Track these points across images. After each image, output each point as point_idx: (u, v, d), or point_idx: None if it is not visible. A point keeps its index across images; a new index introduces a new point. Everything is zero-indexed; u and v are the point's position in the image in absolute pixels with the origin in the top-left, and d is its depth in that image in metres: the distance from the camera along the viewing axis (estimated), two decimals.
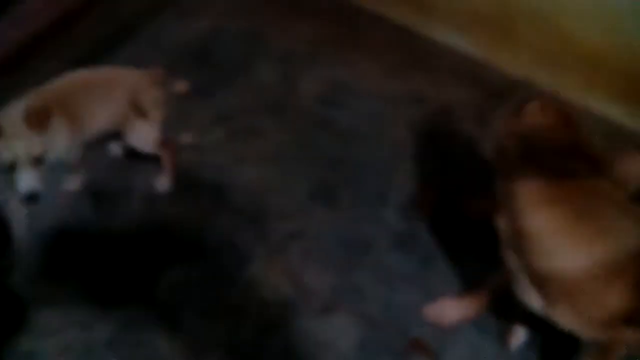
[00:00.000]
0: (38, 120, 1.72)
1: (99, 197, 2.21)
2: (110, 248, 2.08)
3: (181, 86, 2.24)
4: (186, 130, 2.42)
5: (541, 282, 1.41)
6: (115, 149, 2.31)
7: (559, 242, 1.34)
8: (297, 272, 2.06)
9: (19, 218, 2.08)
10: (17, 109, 1.74)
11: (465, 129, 2.50)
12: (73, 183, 2.19)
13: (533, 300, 1.48)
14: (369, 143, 2.46)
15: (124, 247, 2.09)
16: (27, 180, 1.73)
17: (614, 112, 2.48)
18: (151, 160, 2.21)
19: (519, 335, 1.85)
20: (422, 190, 2.30)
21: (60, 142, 1.88)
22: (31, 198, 1.75)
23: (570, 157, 1.35)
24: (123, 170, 2.29)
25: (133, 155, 2.24)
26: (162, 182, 2.21)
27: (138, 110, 2.01)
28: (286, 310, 1.96)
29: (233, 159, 2.37)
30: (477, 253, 1.97)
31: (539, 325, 1.69)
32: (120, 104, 1.99)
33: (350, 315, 1.95)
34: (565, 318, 1.44)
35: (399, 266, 2.09)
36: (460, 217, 2.16)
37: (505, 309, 1.82)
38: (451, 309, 1.87)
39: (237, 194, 2.26)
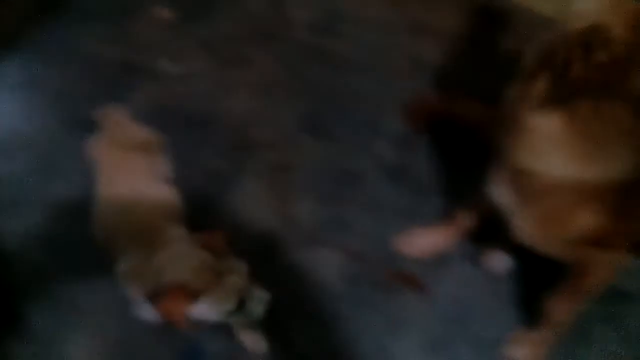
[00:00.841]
0: None
1: None
2: None
3: (164, 12, 2.12)
4: (170, 58, 2.32)
5: (522, 179, 1.34)
6: None
7: (552, 148, 1.26)
8: (283, 204, 2.00)
9: None
10: None
11: (466, 56, 2.38)
12: None
13: (503, 195, 1.42)
14: (363, 74, 2.35)
15: None
16: None
17: None
18: None
19: (501, 260, 1.79)
20: (416, 102, 2.20)
21: None
22: None
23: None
24: None
25: None
26: None
27: None
28: (271, 242, 1.91)
29: (220, 88, 2.28)
30: (471, 182, 1.87)
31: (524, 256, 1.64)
32: None
33: (336, 248, 1.90)
34: (529, 224, 1.38)
35: (389, 198, 2.02)
36: (455, 133, 2.08)
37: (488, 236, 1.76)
38: (422, 238, 1.81)
39: (224, 123, 2.18)
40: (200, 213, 1.88)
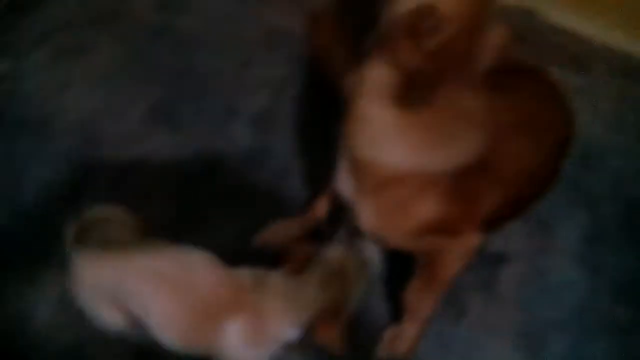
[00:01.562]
0: None
1: None
2: None
3: None
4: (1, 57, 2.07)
5: (360, 168, 1.27)
6: None
7: (390, 138, 1.19)
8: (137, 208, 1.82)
9: None
10: None
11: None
12: None
13: (346, 187, 1.35)
14: (215, 50, 2.17)
15: None
16: None
17: None
18: None
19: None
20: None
21: None
22: None
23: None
24: None
25: None
26: None
27: None
28: None
29: (58, 83, 2.05)
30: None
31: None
32: None
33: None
34: (371, 216, 1.31)
35: (247, 186, 1.89)
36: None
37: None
38: (278, 232, 1.71)
39: (64, 124, 1.97)
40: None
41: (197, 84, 2.09)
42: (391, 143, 1.19)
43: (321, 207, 1.69)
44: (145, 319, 1.33)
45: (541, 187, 1.46)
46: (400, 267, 1.53)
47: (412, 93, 1.12)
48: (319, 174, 1.82)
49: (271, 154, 1.95)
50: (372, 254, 1.51)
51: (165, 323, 1.31)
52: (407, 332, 1.54)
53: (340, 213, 1.55)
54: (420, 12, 1.05)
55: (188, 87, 2.08)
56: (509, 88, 1.42)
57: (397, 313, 1.61)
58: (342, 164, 1.35)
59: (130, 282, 1.31)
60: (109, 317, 1.38)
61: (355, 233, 1.44)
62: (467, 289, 1.74)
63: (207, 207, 1.84)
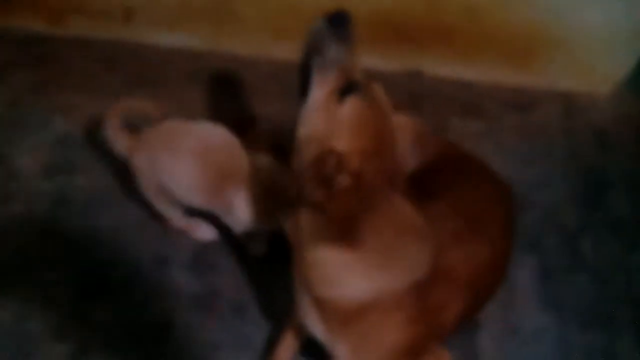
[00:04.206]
0: None
1: None
2: None
3: None
4: None
5: (323, 309, 1.25)
6: None
7: (340, 270, 1.18)
8: None
9: None
10: None
11: None
12: None
13: (313, 324, 1.32)
14: None
15: None
16: None
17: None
18: None
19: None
20: None
21: None
22: None
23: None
24: None
25: None
26: None
27: None
28: None
29: None
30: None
31: None
32: None
33: None
34: (345, 353, 1.28)
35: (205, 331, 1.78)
36: None
37: None
38: None
39: None
40: None
41: None
42: (343, 279, 1.18)
43: (284, 353, 1.62)
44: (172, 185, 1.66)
45: (502, 270, 1.48)
46: None
47: (342, 229, 1.11)
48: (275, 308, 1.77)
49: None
50: None
51: (191, 184, 1.65)
52: None
53: None
54: (320, 159, 1.07)
55: None
56: (444, 187, 1.45)
57: None
58: (302, 301, 1.31)
59: (161, 158, 1.65)
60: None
61: None
62: None
63: None
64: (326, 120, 1.11)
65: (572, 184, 2.14)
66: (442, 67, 2.38)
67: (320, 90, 1.13)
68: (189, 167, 1.64)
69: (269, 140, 1.84)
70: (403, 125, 1.68)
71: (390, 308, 1.20)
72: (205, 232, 1.89)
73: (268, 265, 1.85)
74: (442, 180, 1.49)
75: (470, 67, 2.37)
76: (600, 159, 2.22)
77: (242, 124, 1.96)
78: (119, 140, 1.72)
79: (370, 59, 2.30)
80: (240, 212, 1.67)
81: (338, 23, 1.13)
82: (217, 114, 2.20)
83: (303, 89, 1.16)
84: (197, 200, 1.70)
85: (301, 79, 1.17)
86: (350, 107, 1.11)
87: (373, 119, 1.12)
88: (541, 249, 1.97)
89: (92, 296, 1.80)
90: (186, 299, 1.80)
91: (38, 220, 1.95)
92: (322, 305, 1.24)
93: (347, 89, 1.11)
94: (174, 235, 1.91)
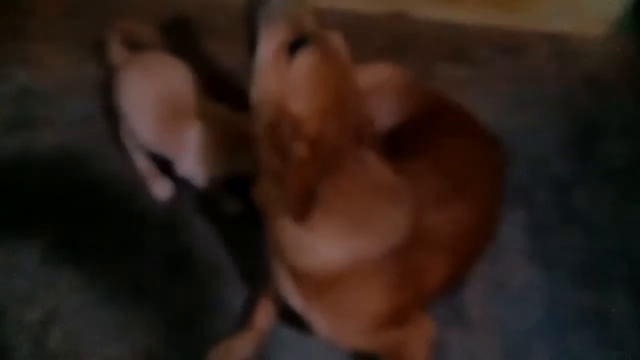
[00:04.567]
0: None
1: None
2: None
3: None
4: None
5: (298, 279, 1.18)
6: None
7: (311, 238, 1.09)
8: None
9: None
10: None
11: None
12: None
13: (289, 294, 1.24)
14: None
15: None
16: None
17: None
18: None
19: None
20: None
21: None
22: None
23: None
24: None
25: None
26: None
27: None
28: None
29: None
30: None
31: None
32: None
33: None
34: (322, 322, 1.21)
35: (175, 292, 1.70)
36: None
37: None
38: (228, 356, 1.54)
39: None
40: None
41: None
42: (314, 247, 1.09)
43: (263, 318, 1.54)
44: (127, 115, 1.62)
45: (489, 232, 1.39)
46: None
47: (304, 198, 1.01)
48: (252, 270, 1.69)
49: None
50: None
51: (143, 118, 1.60)
52: None
53: None
54: (273, 125, 0.98)
55: None
56: (428, 143, 1.35)
57: None
58: (277, 270, 1.23)
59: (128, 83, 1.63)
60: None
61: None
62: (442, 324, 1.66)
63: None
64: (277, 80, 0.99)
65: (563, 132, 2.05)
66: (428, 8, 2.22)
67: (267, 46, 1.01)
68: (144, 99, 1.61)
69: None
70: (386, 75, 1.57)
71: (367, 275, 1.12)
72: (162, 189, 1.81)
73: (244, 224, 1.76)
74: (426, 135, 1.38)
75: (457, 7, 2.22)
76: (592, 105, 2.12)
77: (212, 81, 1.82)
78: (116, 56, 1.72)
79: (352, 1, 2.17)
80: (191, 154, 1.61)
81: None
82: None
83: (251, 45, 1.04)
84: (149, 136, 1.64)
85: (248, 34, 1.04)
86: (302, 62, 0.99)
87: (329, 73, 1.00)
88: (531, 202, 1.89)
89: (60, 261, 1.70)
90: (160, 260, 1.71)
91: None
92: (296, 275, 1.16)
93: (297, 42, 0.99)
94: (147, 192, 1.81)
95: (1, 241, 1.71)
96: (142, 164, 1.78)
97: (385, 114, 1.49)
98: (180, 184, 1.79)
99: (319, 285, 1.14)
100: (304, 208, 1.00)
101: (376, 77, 1.55)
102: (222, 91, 1.80)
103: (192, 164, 1.63)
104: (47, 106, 1.96)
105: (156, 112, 1.60)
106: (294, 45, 1.00)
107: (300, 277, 1.16)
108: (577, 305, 1.72)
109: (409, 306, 1.22)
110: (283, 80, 0.99)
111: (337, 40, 1.05)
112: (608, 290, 1.73)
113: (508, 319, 1.70)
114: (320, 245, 1.09)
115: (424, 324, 1.30)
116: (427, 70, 2.14)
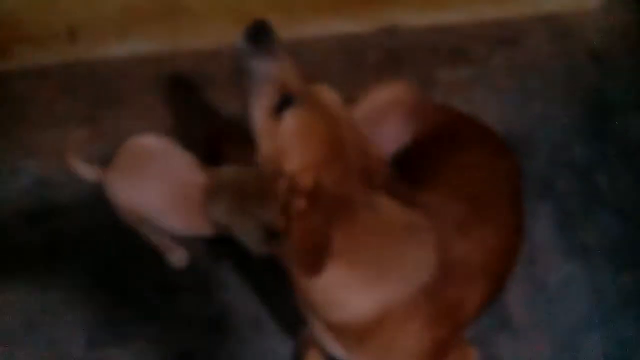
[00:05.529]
0: None
1: None
2: None
3: None
4: None
5: (335, 331, 1.18)
6: None
7: (336, 292, 1.10)
8: None
9: None
10: None
11: None
12: None
13: (331, 346, 1.25)
14: None
15: None
16: None
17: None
18: None
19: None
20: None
21: None
22: None
23: None
24: None
25: None
26: None
27: None
28: None
29: None
30: None
31: None
32: None
33: None
34: None
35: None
36: None
37: None
38: None
39: None
40: None
41: None
42: (341, 300, 1.10)
43: None
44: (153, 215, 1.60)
45: (518, 246, 1.38)
46: None
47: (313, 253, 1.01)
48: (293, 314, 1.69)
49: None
50: None
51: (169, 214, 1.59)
52: None
53: None
54: (273, 186, 1.01)
55: None
56: (443, 163, 1.34)
57: None
58: (313, 324, 1.24)
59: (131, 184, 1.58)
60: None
61: None
62: (488, 334, 1.66)
63: None
64: (271, 141, 1.03)
65: (574, 116, 2.02)
66: (415, 16, 2.21)
67: (258, 112, 1.05)
68: (162, 199, 1.59)
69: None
70: (394, 97, 1.54)
71: (403, 317, 1.12)
72: (179, 258, 1.81)
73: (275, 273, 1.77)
74: (440, 154, 1.37)
75: (446, 9, 2.20)
76: (598, 81, 2.08)
77: (218, 131, 1.84)
78: (86, 175, 1.64)
79: (341, 24, 2.17)
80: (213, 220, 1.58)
81: (257, 36, 1.05)
82: (188, 120, 2.07)
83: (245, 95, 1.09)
84: (182, 227, 1.63)
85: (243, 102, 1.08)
86: (289, 121, 1.01)
87: (318, 126, 1.02)
88: (555, 193, 1.87)
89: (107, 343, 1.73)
90: (200, 324, 1.73)
91: None
92: (332, 327, 1.17)
93: (283, 102, 1.02)
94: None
95: (43, 328, 1.74)
96: (156, 239, 1.76)
97: (397, 134, 1.48)
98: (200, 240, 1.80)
99: (356, 334, 1.14)
100: (313, 261, 1.00)
101: (384, 99, 1.53)
102: (231, 135, 1.81)
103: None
104: (64, 193, 1.95)
105: (179, 202, 1.58)
106: (281, 106, 1.02)
107: (336, 329, 1.17)
108: (620, 288, 1.70)
109: (451, 336, 1.21)
110: (275, 140, 1.02)
111: (324, 92, 1.07)
112: None
113: (553, 317, 1.69)
114: (347, 298, 1.09)
115: (466, 352, 1.29)
116: (428, 78, 2.13)
